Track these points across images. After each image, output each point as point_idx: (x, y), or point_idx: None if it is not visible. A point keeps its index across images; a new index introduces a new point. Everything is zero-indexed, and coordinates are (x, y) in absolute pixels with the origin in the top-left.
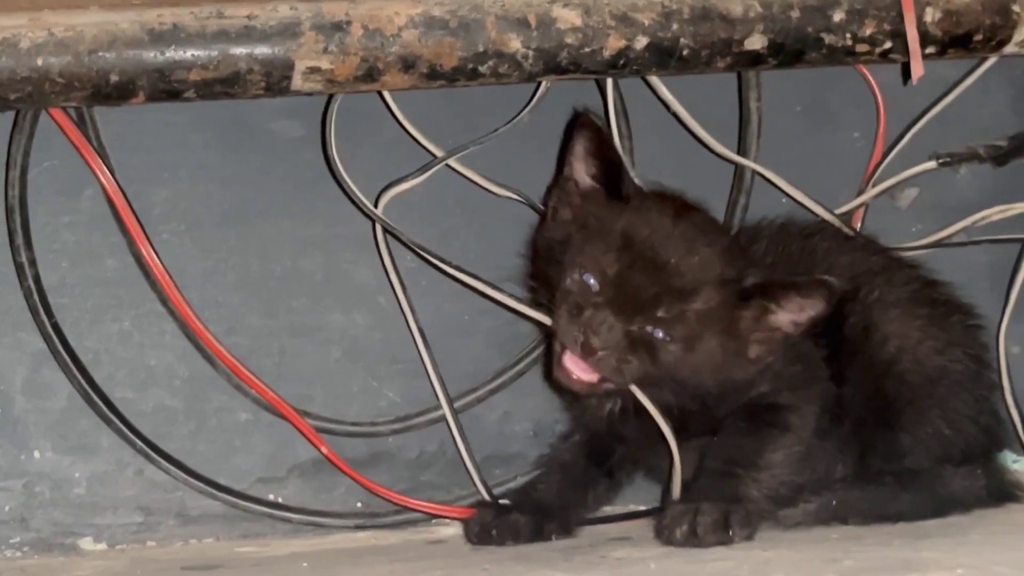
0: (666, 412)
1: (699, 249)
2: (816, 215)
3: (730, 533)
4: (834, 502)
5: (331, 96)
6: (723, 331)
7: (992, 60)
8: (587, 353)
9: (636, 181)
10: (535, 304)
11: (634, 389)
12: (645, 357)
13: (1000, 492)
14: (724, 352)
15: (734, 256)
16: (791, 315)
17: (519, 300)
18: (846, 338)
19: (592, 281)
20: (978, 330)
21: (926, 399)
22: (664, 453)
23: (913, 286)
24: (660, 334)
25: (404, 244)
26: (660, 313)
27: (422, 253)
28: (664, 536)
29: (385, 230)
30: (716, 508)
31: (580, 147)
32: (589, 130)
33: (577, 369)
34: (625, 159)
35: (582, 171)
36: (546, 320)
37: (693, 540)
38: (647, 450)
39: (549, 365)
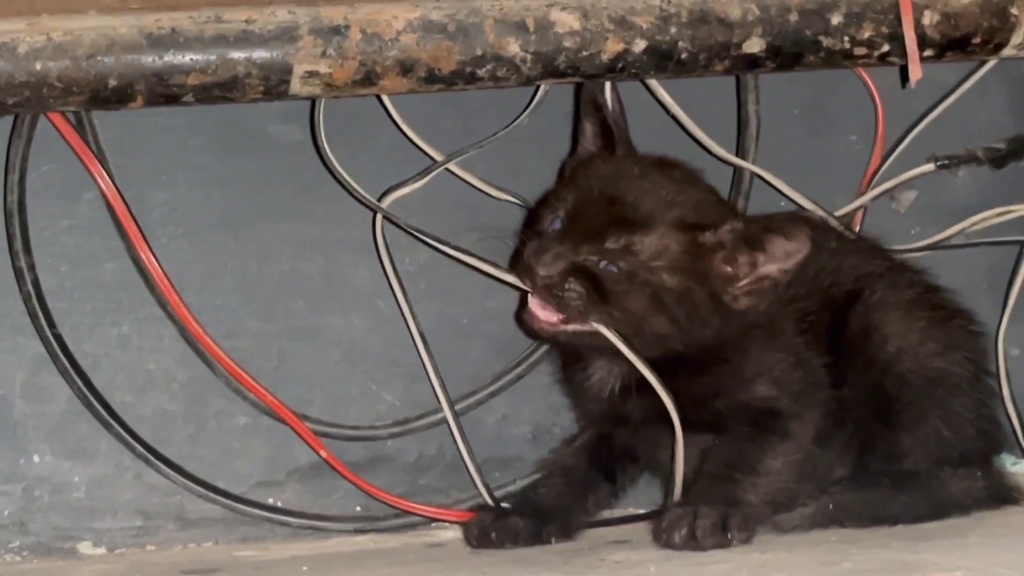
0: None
1: (662, 192)
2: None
3: (728, 536)
4: (831, 506)
5: (314, 102)
6: (686, 275)
7: (990, 63)
8: (532, 280)
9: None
10: None
11: (604, 331)
12: (595, 289)
13: (999, 494)
14: (691, 298)
15: (708, 207)
16: (778, 263)
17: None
18: (848, 340)
19: (556, 223)
20: (978, 335)
21: (926, 400)
22: (666, 443)
23: (915, 290)
24: (610, 267)
25: (408, 232)
26: (608, 244)
27: (428, 240)
28: (663, 539)
29: (389, 220)
30: (714, 511)
31: (584, 121)
32: (589, 103)
33: (539, 310)
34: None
35: (587, 142)
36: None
37: (692, 543)
38: (649, 436)
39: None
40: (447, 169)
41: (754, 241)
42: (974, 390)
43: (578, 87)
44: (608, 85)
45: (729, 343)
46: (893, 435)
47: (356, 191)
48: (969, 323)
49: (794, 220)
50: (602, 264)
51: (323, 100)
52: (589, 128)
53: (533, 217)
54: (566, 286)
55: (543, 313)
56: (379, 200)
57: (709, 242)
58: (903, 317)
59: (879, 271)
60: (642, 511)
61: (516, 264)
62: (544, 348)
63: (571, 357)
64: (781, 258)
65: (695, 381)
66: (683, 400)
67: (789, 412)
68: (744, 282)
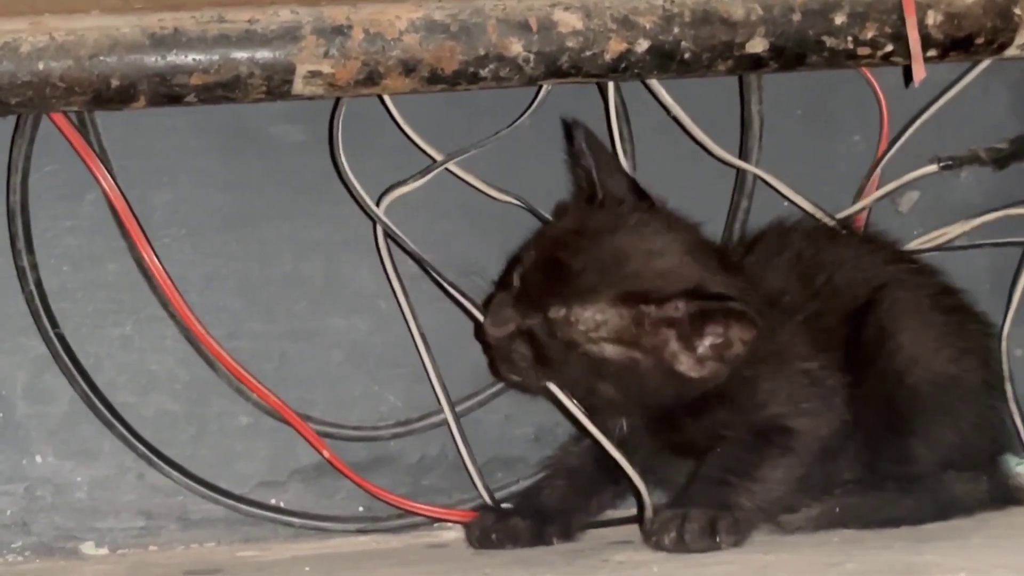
0: (669, 428)
1: (618, 258)
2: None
3: (717, 539)
4: (836, 508)
5: (338, 100)
6: (631, 346)
7: (989, 61)
8: (484, 338)
9: (646, 192)
10: None
11: (554, 390)
12: (538, 355)
13: (1003, 496)
14: (637, 369)
15: (670, 274)
16: (731, 342)
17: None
18: (862, 346)
19: (517, 280)
20: (991, 339)
21: (939, 407)
22: (680, 468)
23: (930, 293)
24: (551, 336)
25: (405, 251)
26: (550, 313)
27: (422, 264)
28: (652, 541)
29: (387, 234)
30: (704, 514)
31: (583, 146)
32: (572, 150)
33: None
34: (625, 165)
35: (581, 184)
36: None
37: (681, 546)
38: (663, 461)
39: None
40: (448, 169)
41: (705, 317)
42: (986, 395)
43: (569, 131)
44: (582, 139)
45: (732, 379)
46: (904, 442)
47: (360, 196)
48: (983, 327)
49: (739, 312)
50: (544, 331)
51: (344, 106)
52: (575, 176)
53: (510, 264)
54: (512, 348)
55: (503, 367)
56: (380, 199)
57: (653, 316)
58: (918, 323)
59: (893, 275)
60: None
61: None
62: None
63: None
64: (734, 340)
65: (699, 420)
66: (689, 434)
67: (797, 430)
68: (700, 352)
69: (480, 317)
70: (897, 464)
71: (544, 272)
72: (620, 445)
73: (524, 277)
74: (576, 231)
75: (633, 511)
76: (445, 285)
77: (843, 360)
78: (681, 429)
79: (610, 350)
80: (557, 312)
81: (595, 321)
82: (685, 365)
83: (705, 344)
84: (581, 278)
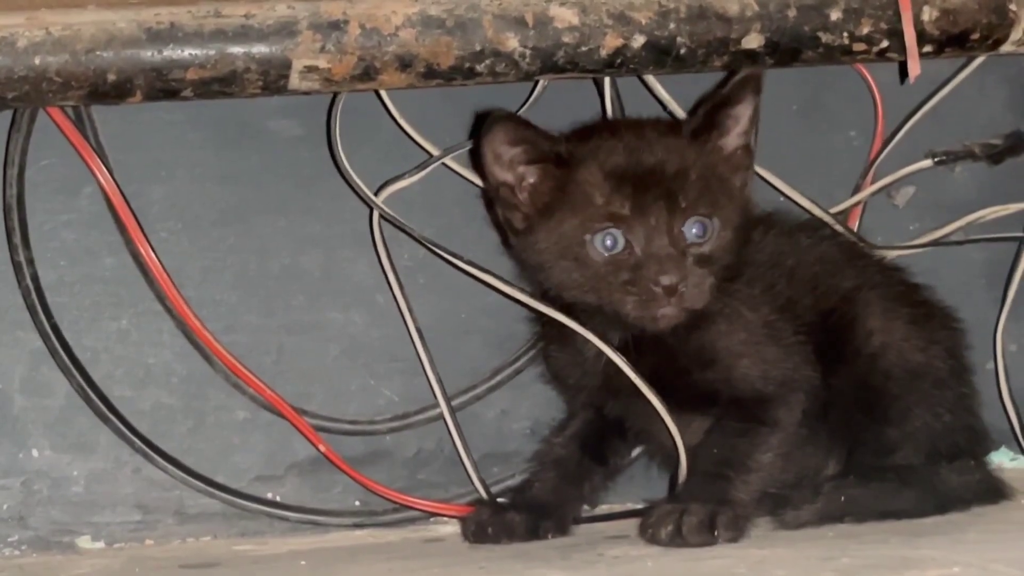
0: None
1: (665, 137)
2: (812, 214)
3: (715, 534)
4: (842, 498)
5: (335, 94)
6: (721, 188)
7: (984, 57)
8: (676, 296)
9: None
10: (544, 299)
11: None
12: (706, 261)
13: (993, 488)
14: (731, 202)
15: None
16: (738, 128)
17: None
18: (832, 330)
19: (616, 239)
20: (958, 332)
21: (910, 394)
22: (655, 411)
23: (897, 286)
24: (705, 225)
25: (413, 238)
26: (692, 209)
27: (432, 248)
28: (648, 535)
29: (387, 221)
30: (703, 509)
31: (501, 148)
32: (504, 125)
33: (671, 311)
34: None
35: (517, 167)
36: (557, 316)
37: (678, 540)
38: (640, 406)
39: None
40: (444, 164)
41: (713, 123)
42: (957, 384)
43: (480, 119)
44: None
45: (707, 311)
46: (880, 429)
47: (360, 189)
48: (949, 320)
49: (738, 83)
50: (697, 230)
51: (341, 101)
52: (516, 152)
53: (530, 264)
54: (703, 273)
55: (672, 312)
56: (376, 194)
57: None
58: (886, 312)
59: (863, 271)
60: (641, 506)
61: (559, 310)
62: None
63: (558, 336)
64: (737, 125)
65: (676, 352)
66: (664, 373)
67: (775, 398)
68: (730, 164)
69: (492, 283)
70: (876, 454)
71: (647, 192)
72: (604, 382)
73: (637, 215)
74: (611, 158)
75: (628, 506)
76: (454, 260)
77: (816, 350)
78: (655, 367)
79: (723, 198)
80: (687, 198)
81: (705, 183)
82: (738, 180)
83: (730, 140)
84: (670, 164)
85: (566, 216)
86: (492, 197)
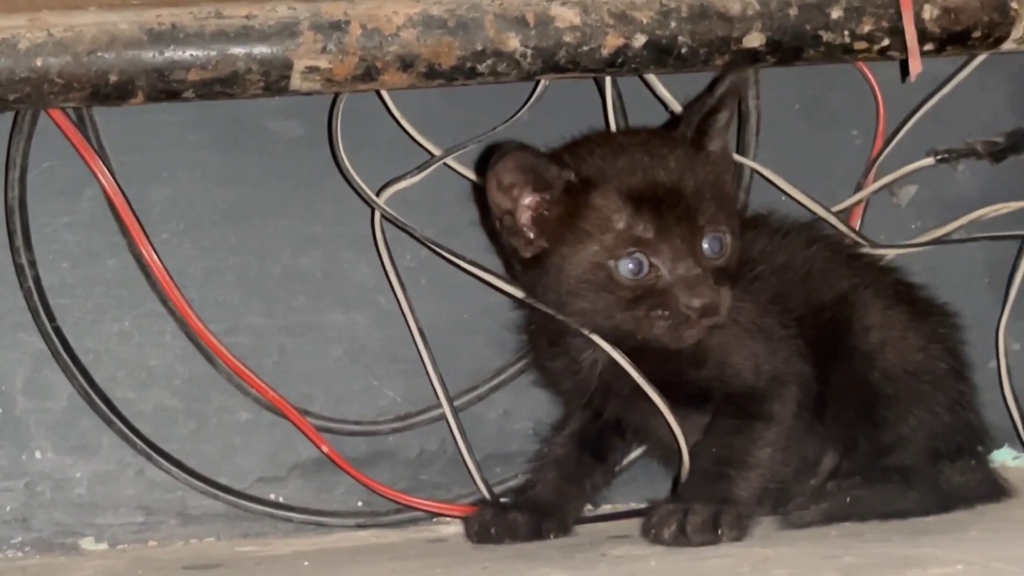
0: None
1: (672, 150)
2: (814, 213)
3: (719, 533)
4: (847, 499)
5: (337, 95)
6: (724, 197)
7: (986, 55)
8: (714, 314)
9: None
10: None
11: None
12: (724, 274)
13: (995, 487)
14: (733, 210)
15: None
16: (722, 129)
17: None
18: (830, 326)
19: (642, 263)
20: (956, 331)
21: (909, 393)
22: (654, 411)
23: (894, 286)
24: (721, 240)
25: (415, 238)
26: (710, 226)
27: (434, 248)
28: (651, 535)
29: (389, 221)
30: (707, 508)
31: (508, 177)
32: (510, 157)
33: (698, 330)
34: None
35: (524, 197)
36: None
37: (681, 540)
38: (638, 406)
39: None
40: (446, 164)
41: (702, 128)
42: (954, 383)
43: (490, 152)
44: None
45: None
46: (878, 428)
47: (362, 189)
48: (946, 319)
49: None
50: (715, 243)
51: (343, 101)
52: (526, 182)
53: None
54: (726, 287)
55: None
56: (377, 194)
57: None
58: (884, 311)
59: (859, 271)
60: (644, 506)
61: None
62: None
63: (548, 345)
64: (722, 128)
65: (669, 353)
66: (658, 374)
67: (768, 393)
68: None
69: (494, 282)
70: (875, 453)
71: (670, 210)
72: (601, 385)
73: (663, 236)
74: (626, 178)
75: (631, 506)
76: (456, 261)
77: (812, 349)
78: (651, 368)
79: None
80: (704, 216)
81: (712, 191)
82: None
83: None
84: (684, 181)
85: (584, 242)
86: (498, 228)
